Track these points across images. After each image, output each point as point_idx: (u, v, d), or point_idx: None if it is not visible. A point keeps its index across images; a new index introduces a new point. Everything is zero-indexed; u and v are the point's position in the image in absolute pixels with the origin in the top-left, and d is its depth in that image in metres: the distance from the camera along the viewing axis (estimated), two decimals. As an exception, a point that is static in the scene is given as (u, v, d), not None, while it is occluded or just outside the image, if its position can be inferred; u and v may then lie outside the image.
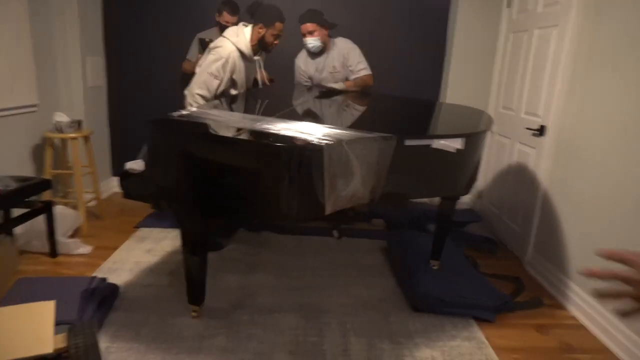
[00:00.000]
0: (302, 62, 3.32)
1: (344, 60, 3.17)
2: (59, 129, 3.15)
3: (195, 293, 2.18)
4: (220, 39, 2.76)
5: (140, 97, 4.00)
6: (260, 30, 2.72)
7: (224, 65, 2.68)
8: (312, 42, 3.07)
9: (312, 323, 2.21)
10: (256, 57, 2.88)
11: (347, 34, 3.31)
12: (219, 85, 2.71)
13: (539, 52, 2.92)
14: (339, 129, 1.90)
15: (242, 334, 2.10)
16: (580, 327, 2.26)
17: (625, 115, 2.08)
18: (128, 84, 4.00)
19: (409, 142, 1.90)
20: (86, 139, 3.31)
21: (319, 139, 1.71)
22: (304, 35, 3.09)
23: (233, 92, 2.85)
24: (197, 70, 2.78)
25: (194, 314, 2.20)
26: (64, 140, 3.39)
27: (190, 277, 2.14)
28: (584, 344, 2.12)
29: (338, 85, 3.19)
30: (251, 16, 2.78)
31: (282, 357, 1.95)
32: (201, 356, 1.93)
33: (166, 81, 3.91)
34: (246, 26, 2.79)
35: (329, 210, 1.75)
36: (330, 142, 1.68)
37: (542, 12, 2.91)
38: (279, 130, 1.87)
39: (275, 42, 2.78)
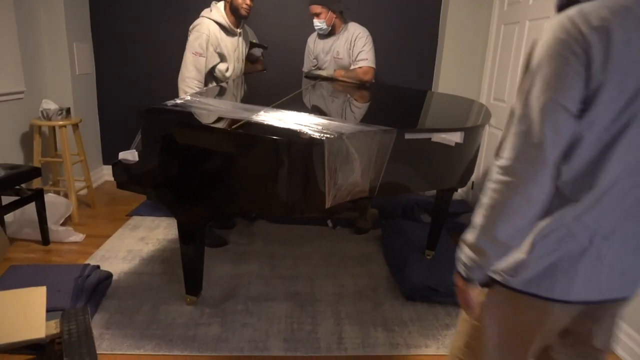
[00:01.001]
0: (312, 41, 3.23)
1: (350, 47, 3.04)
2: (46, 116, 3.10)
3: (193, 283, 2.18)
4: (198, 19, 2.76)
5: (131, 84, 3.95)
6: None
7: (206, 41, 2.67)
8: (318, 24, 2.98)
9: (306, 311, 2.21)
10: (239, 30, 2.84)
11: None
12: (206, 62, 2.70)
13: (531, 41, 2.92)
14: (337, 120, 1.89)
15: (236, 322, 2.10)
16: (570, 315, 2.29)
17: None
18: (118, 71, 3.93)
19: (409, 136, 1.90)
20: (75, 126, 3.26)
21: (320, 132, 1.70)
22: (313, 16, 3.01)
23: (222, 66, 2.81)
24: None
25: (189, 301, 2.19)
26: (52, 128, 3.33)
27: (187, 268, 2.12)
28: (573, 332, 2.16)
29: (325, 72, 3.10)
30: None
31: (276, 344, 1.96)
32: (196, 344, 1.93)
33: (157, 68, 3.87)
34: (217, 2, 2.80)
35: (329, 204, 1.74)
36: (331, 136, 1.67)
37: (533, 4, 2.92)
38: (277, 122, 1.86)
39: (247, 2, 2.71)
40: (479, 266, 0.93)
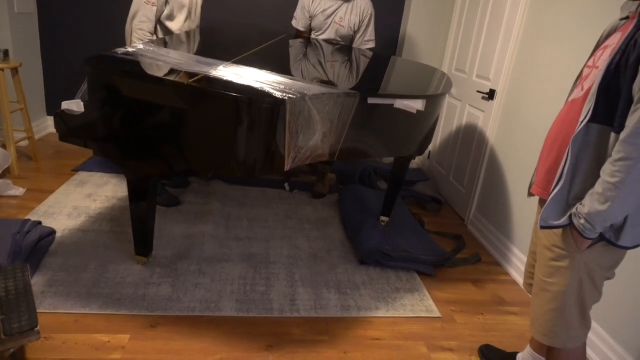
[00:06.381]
0: None
1: (358, 22, 2.96)
2: (-21, 57, 2.83)
3: (142, 243, 2.11)
4: None
5: (78, 27, 3.64)
6: None
7: None
8: None
9: (260, 273, 2.21)
10: None
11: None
12: (157, 13, 2.50)
13: (493, 16, 2.93)
14: (300, 81, 1.83)
15: (188, 282, 2.06)
16: (513, 282, 2.42)
17: (569, 84, 2.15)
18: (63, 11, 3.60)
19: (371, 100, 1.88)
20: (14, 71, 2.99)
21: (282, 91, 1.64)
22: None
23: (173, 24, 2.62)
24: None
25: (138, 261, 2.13)
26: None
27: (136, 227, 2.05)
28: (514, 297, 2.29)
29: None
30: None
31: (229, 305, 1.95)
32: (145, 303, 1.89)
33: (109, 10, 3.58)
34: None
35: (288, 166, 1.71)
36: (293, 96, 1.61)
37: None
38: (237, 78, 1.77)
39: None
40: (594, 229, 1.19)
